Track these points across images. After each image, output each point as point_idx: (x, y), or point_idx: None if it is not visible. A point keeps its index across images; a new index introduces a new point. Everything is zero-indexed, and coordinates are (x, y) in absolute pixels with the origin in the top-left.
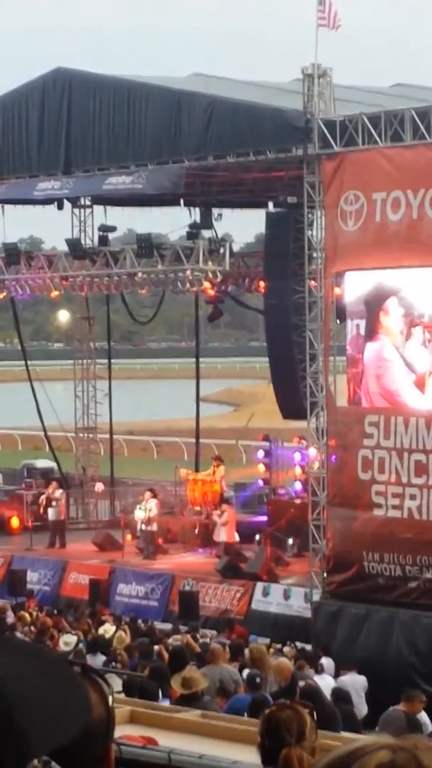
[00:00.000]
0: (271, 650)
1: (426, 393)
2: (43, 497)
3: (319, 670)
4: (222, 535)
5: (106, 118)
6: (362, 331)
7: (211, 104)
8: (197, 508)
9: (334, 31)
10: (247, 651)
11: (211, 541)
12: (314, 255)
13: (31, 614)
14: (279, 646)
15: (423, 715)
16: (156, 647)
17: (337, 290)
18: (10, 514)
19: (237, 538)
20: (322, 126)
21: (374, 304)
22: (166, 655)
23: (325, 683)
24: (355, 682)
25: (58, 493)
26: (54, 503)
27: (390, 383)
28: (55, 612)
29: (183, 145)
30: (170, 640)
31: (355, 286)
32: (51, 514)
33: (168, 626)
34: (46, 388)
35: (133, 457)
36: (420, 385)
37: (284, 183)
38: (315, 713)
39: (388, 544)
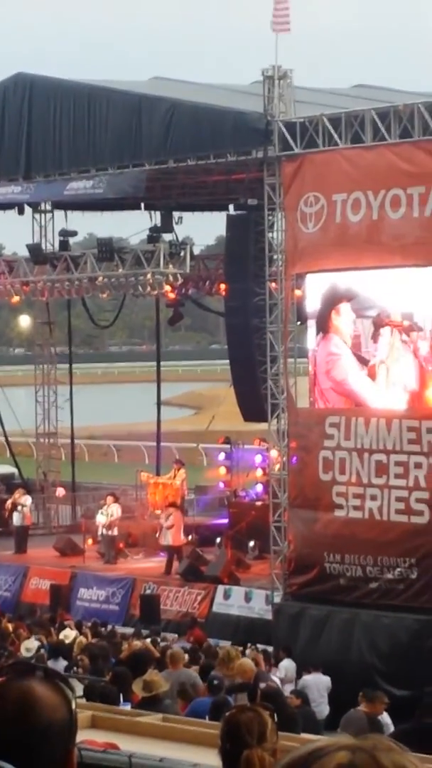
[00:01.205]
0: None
1: (377, 381)
2: (9, 502)
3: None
4: (168, 538)
5: (66, 122)
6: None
7: (171, 108)
8: (158, 512)
9: (286, 32)
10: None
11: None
12: (275, 257)
13: None
14: (240, 648)
15: (385, 716)
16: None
17: (297, 292)
18: None
19: (183, 539)
20: (283, 128)
21: (327, 304)
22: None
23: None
24: (319, 682)
25: (24, 499)
26: (20, 508)
27: (338, 374)
28: (17, 617)
29: (143, 149)
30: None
31: (316, 288)
32: (16, 519)
33: (129, 630)
34: (6, 393)
35: (94, 462)
36: (371, 375)
37: (245, 185)
38: (276, 715)
39: (349, 545)
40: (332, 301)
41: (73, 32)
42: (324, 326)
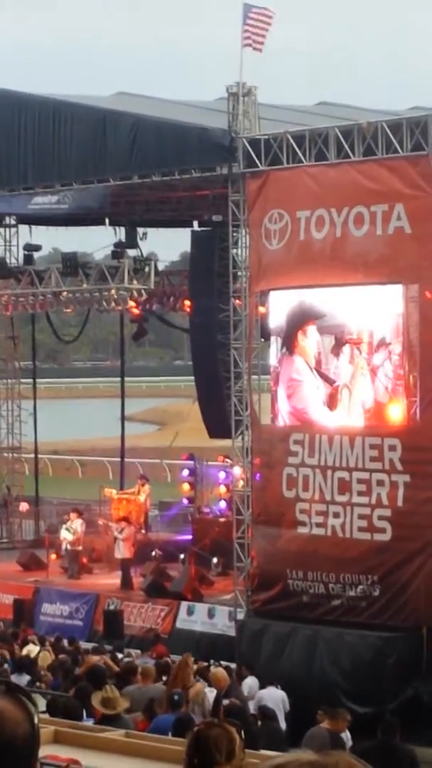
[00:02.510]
0: (196, 667)
1: (337, 408)
2: None
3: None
4: (122, 551)
5: (31, 137)
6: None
7: (135, 123)
8: (112, 525)
9: (258, 52)
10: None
11: (136, 560)
12: (239, 273)
13: None
14: (205, 664)
15: (345, 733)
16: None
17: (261, 309)
18: None
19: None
20: (247, 145)
21: (294, 323)
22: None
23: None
24: (273, 696)
25: None
26: None
27: (298, 401)
28: None
29: (108, 165)
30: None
31: (280, 305)
32: None
33: (93, 646)
34: None
35: (57, 477)
36: (331, 399)
37: (209, 202)
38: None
39: (311, 562)
40: (299, 321)
41: (36, 45)
42: (289, 345)
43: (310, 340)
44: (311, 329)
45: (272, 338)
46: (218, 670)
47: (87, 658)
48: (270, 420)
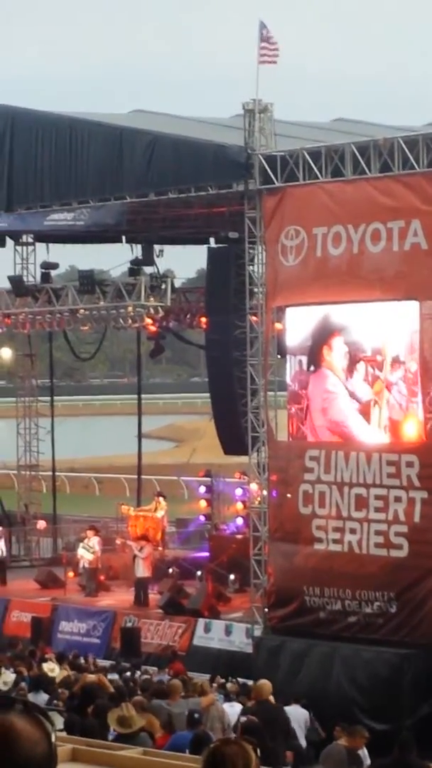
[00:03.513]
0: (214, 685)
1: (371, 422)
2: None
3: (231, 698)
4: (141, 569)
5: (48, 155)
6: (304, 367)
7: (152, 141)
8: (130, 544)
9: (273, 64)
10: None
11: (153, 578)
12: (255, 290)
13: None
14: (222, 681)
15: (362, 750)
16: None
17: (278, 325)
18: None
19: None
20: (263, 161)
21: (319, 338)
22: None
23: (234, 711)
24: (298, 715)
25: None
26: None
27: (336, 414)
28: None
29: (125, 182)
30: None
31: (296, 322)
32: None
33: (110, 663)
34: None
35: (75, 494)
36: (365, 413)
37: (225, 218)
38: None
39: (328, 579)
40: (324, 335)
41: (54, 64)
42: (316, 361)
43: (337, 353)
44: (337, 342)
45: (288, 357)
46: (263, 681)
47: (82, 676)
48: (286, 436)
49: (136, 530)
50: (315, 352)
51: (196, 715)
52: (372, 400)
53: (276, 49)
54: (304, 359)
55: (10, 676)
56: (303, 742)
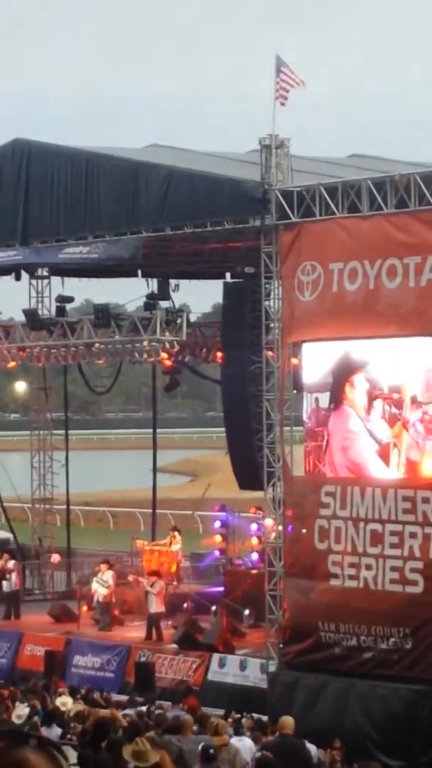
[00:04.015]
0: (229, 720)
1: (390, 465)
2: None
3: (240, 731)
4: (154, 605)
5: (63, 189)
6: (321, 404)
7: (168, 175)
8: (142, 580)
9: (282, 105)
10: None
11: (168, 612)
12: (271, 325)
13: None
14: (237, 716)
15: None
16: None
17: (294, 360)
18: None
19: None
20: (280, 197)
21: (341, 376)
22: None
23: (244, 745)
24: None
25: (11, 564)
26: (8, 575)
27: (356, 455)
28: (11, 684)
29: (140, 216)
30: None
31: (313, 358)
32: (5, 585)
33: (124, 698)
34: (2, 459)
35: (89, 528)
36: (384, 456)
37: (241, 253)
38: None
39: (344, 615)
40: (346, 372)
41: (71, 98)
42: (337, 398)
43: (358, 391)
44: (359, 378)
45: (305, 394)
46: (288, 717)
47: (94, 711)
48: (302, 471)
49: (151, 564)
50: (337, 390)
51: (212, 751)
52: (391, 443)
53: (292, 84)
54: (321, 396)
55: (24, 709)
56: None
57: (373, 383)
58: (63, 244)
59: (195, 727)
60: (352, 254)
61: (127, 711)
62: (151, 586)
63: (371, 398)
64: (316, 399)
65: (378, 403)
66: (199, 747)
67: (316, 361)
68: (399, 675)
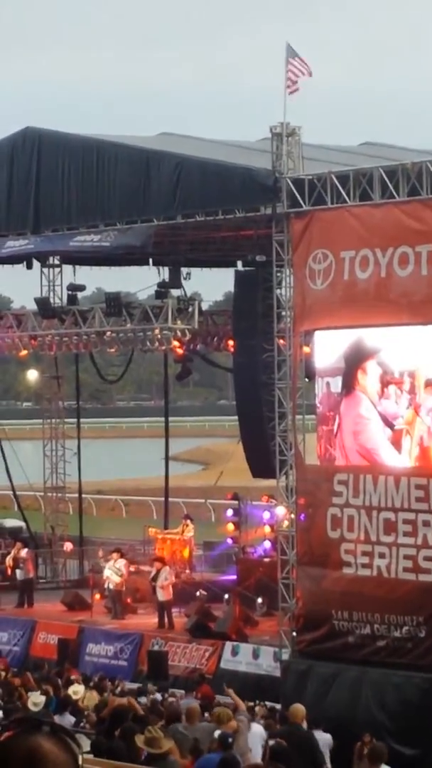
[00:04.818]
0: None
1: (402, 452)
2: (9, 558)
3: (253, 719)
4: (161, 595)
5: (75, 177)
6: (333, 389)
7: (179, 164)
8: (147, 568)
9: (290, 94)
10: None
11: (181, 601)
12: (283, 313)
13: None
14: (251, 704)
15: None
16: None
17: (305, 349)
18: None
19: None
20: (291, 185)
21: (353, 362)
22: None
23: (254, 732)
24: (320, 739)
25: (24, 552)
26: (21, 564)
27: (367, 441)
28: (25, 672)
29: (152, 205)
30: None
31: (325, 344)
32: (19, 574)
33: (137, 686)
34: (14, 447)
35: (102, 517)
36: (396, 442)
37: (253, 242)
38: None
39: (357, 603)
40: (359, 358)
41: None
42: (349, 384)
43: (371, 376)
44: (371, 365)
45: (317, 379)
46: (299, 706)
47: (110, 699)
48: (315, 459)
49: (163, 553)
50: (349, 375)
51: (230, 740)
52: (404, 429)
53: (301, 73)
54: (332, 381)
55: (39, 697)
56: (329, 767)
57: (385, 368)
58: (74, 232)
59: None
60: (363, 242)
61: (140, 699)
62: (155, 575)
63: (384, 383)
64: (327, 383)
65: (391, 389)
66: (216, 735)
67: (328, 345)
68: (412, 663)
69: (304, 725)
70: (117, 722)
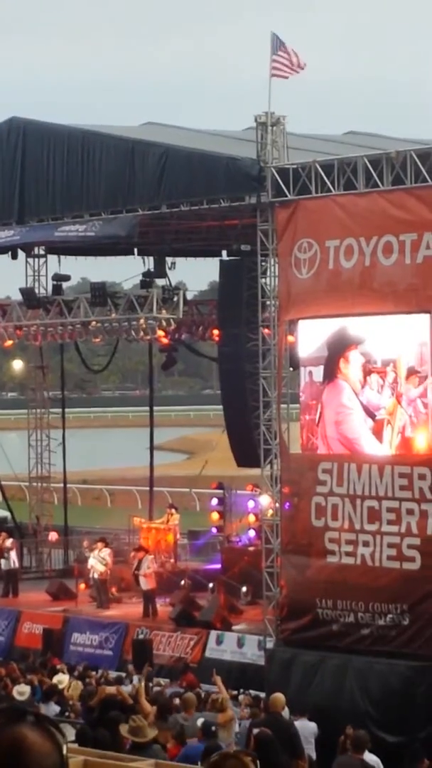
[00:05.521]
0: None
1: (383, 442)
2: None
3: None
4: (144, 584)
5: (60, 167)
6: (315, 378)
7: (164, 153)
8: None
9: (284, 78)
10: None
11: (165, 590)
12: (268, 303)
13: None
14: (234, 693)
15: (374, 759)
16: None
17: (290, 338)
18: None
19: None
20: (276, 174)
21: (336, 350)
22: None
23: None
24: (305, 729)
25: (9, 542)
26: (5, 554)
27: (349, 430)
28: (10, 662)
29: (137, 194)
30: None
31: (308, 334)
32: (3, 564)
33: (122, 675)
34: None
35: (86, 506)
36: (377, 432)
37: (238, 231)
38: (258, 762)
39: (341, 591)
40: (341, 347)
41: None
42: (331, 372)
43: (353, 365)
44: (354, 354)
45: (301, 368)
46: (277, 695)
47: (100, 689)
48: (299, 448)
49: (148, 542)
50: (331, 364)
51: (213, 728)
52: (385, 419)
53: (288, 63)
54: (315, 370)
55: (25, 687)
56: (313, 755)
57: (368, 357)
58: (59, 222)
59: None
60: (348, 231)
61: (125, 688)
62: (138, 564)
63: (366, 372)
64: (310, 372)
65: (373, 377)
66: (198, 723)
67: (311, 334)
68: (397, 651)
69: (285, 714)
70: (106, 711)
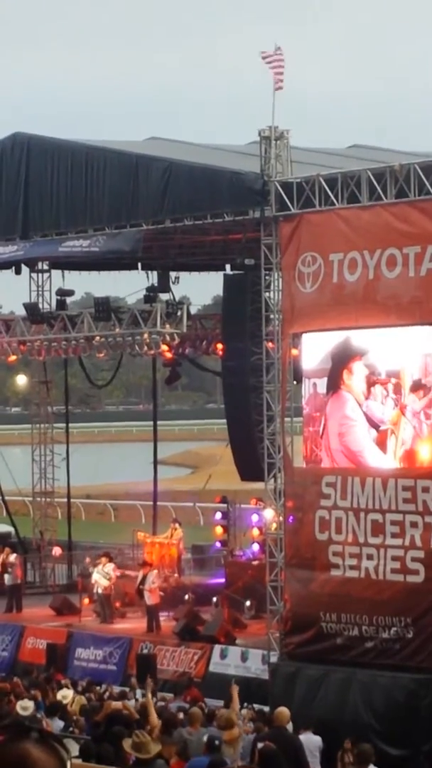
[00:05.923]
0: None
1: (387, 452)
2: None
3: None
4: (149, 598)
5: (63, 182)
6: (320, 390)
7: (168, 168)
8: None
9: (279, 89)
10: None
11: (169, 604)
12: (271, 316)
13: None
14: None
15: None
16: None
17: (294, 351)
18: None
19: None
20: (279, 188)
21: (339, 361)
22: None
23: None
24: (310, 742)
25: (12, 557)
26: (9, 569)
27: (352, 443)
28: (13, 677)
29: (140, 209)
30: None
31: (312, 346)
32: (7, 579)
33: (126, 690)
34: (3, 452)
35: (90, 521)
36: (381, 443)
37: (241, 245)
38: None
39: (345, 605)
40: (345, 358)
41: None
42: (335, 384)
43: (357, 376)
44: (357, 365)
45: (304, 380)
46: (282, 709)
47: (106, 704)
48: (302, 462)
49: (152, 557)
50: (335, 375)
51: (216, 742)
52: (389, 430)
53: (281, 71)
54: (319, 382)
55: (28, 702)
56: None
57: (372, 369)
58: (63, 237)
59: None
60: (351, 244)
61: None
62: (143, 579)
63: (370, 384)
64: (314, 384)
65: (377, 389)
66: (204, 738)
67: (315, 346)
68: (400, 664)
69: (290, 728)
70: (112, 727)
